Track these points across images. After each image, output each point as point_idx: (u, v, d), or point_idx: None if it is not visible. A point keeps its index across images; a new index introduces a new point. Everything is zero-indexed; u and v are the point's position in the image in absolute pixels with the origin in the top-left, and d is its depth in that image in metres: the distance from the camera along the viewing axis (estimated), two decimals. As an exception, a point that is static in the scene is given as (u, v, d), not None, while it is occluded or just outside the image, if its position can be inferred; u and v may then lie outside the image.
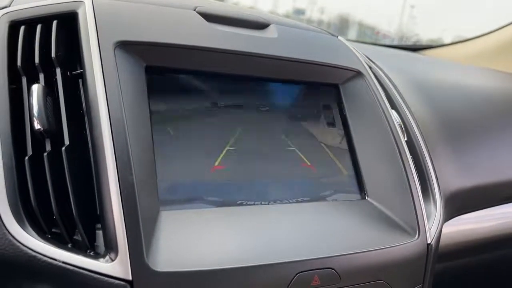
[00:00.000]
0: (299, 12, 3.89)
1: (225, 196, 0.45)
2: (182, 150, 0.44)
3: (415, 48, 1.26)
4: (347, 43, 0.60)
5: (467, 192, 0.65)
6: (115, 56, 0.42)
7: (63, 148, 0.38)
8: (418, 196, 0.51)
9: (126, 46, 0.43)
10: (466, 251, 0.69)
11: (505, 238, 0.72)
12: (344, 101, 0.55)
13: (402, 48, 1.24)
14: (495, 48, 1.08)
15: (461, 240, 0.67)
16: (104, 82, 0.40)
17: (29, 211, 0.37)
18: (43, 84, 0.40)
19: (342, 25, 3.63)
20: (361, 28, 3.62)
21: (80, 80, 0.43)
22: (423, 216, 0.50)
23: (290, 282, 0.40)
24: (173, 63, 0.46)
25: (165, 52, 0.45)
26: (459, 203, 0.64)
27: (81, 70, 0.42)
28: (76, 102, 0.42)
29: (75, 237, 0.38)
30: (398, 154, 0.53)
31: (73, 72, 0.43)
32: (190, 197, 0.43)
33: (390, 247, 0.47)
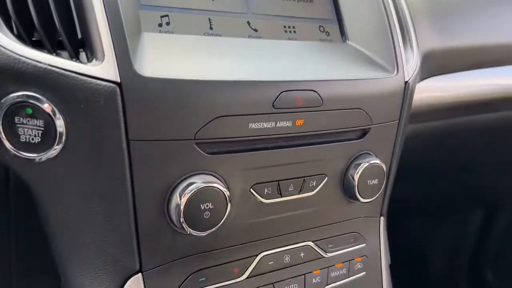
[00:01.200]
0: None
1: (206, 27, 0.44)
2: None
3: None
4: None
5: (443, 53, 0.67)
6: None
7: None
8: (398, 39, 0.53)
9: None
10: (436, 114, 0.72)
11: (473, 104, 0.75)
12: None
13: None
14: None
15: (432, 103, 0.70)
16: None
17: (7, 19, 0.36)
18: None
19: None
20: None
21: None
22: (402, 57, 0.52)
23: (275, 100, 0.42)
24: None
25: None
26: (434, 63, 0.66)
27: None
28: None
29: (58, 51, 0.38)
30: (382, 2, 0.53)
31: None
32: (175, 24, 0.43)
33: (371, 79, 0.48)
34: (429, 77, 0.68)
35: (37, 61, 0.35)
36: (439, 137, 0.82)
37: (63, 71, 0.35)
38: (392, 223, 1.20)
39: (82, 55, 0.38)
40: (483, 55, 0.73)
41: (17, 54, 0.35)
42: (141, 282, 0.40)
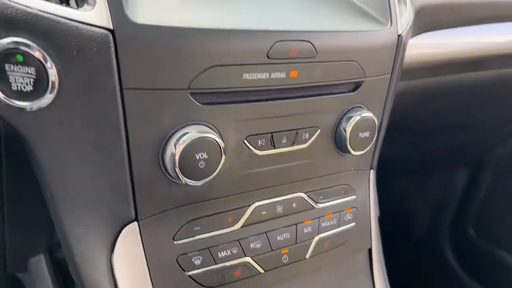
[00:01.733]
0: None
1: None
2: None
3: None
4: None
5: (436, 8, 0.67)
6: None
7: None
8: None
9: None
10: (427, 71, 0.73)
11: (463, 62, 0.75)
12: None
13: None
14: None
15: (423, 59, 0.70)
16: None
17: None
18: None
19: None
20: None
21: None
22: (395, 10, 0.52)
23: (269, 50, 0.41)
24: None
25: None
26: (427, 18, 0.66)
27: None
28: None
29: None
30: None
31: None
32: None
33: (365, 31, 0.48)
34: (420, 33, 0.68)
35: (26, 6, 0.34)
36: (429, 95, 0.83)
37: (54, 17, 0.34)
38: (380, 179, 1.23)
39: (72, 1, 0.38)
40: (475, 11, 0.73)
41: None
42: (137, 230, 0.41)
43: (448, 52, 0.74)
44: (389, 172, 1.25)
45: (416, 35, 0.66)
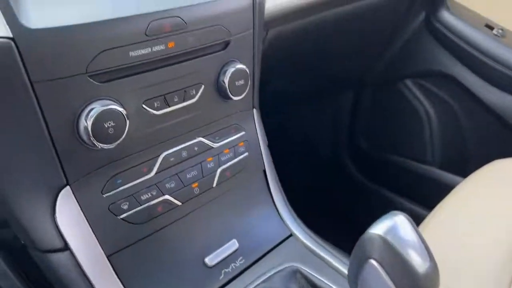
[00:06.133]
0: None
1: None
2: None
3: None
4: None
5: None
6: None
7: None
8: None
9: None
10: (293, 15, 0.86)
11: (318, 3, 0.89)
12: None
13: None
14: None
15: (286, 7, 0.83)
16: None
17: None
18: None
19: None
20: None
21: None
22: None
23: (146, 29, 0.51)
24: None
25: None
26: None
27: None
28: None
29: None
30: None
31: None
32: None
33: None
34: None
35: None
36: (300, 35, 0.97)
37: None
38: (277, 115, 1.39)
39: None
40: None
41: None
42: (71, 192, 0.51)
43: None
44: (287, 106, 1.42)
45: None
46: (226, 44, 0.61)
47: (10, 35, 0.43)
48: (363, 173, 1.56)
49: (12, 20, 0.43)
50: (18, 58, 0.44)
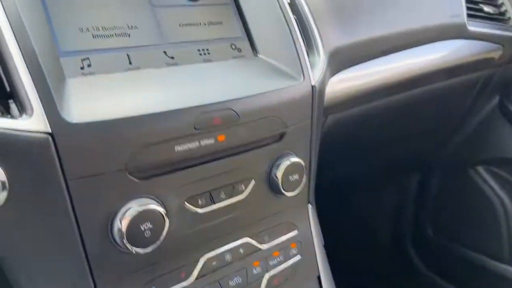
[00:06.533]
0: None
1: (125, 63, 0.49)
2: (79, 21, 0.47)
3: None
4: None
5: (348, 48, 0.74)
6: None
7: None
8: (302, 49, 0.59)
9: None
10: (354, 102, 0.80)
11: (384, 88, 0.84)
12: None
13: None
14: None
15: (348, 92, 0.78)
16: None
17: None
18: None
19: None
20: None
21: None
22: (306, 64, 0.59)
23: (195, 123, 0.47)
24: None
25: None
26: (343, 57, 0.73)
27: None
28: None
29: None
30: (282, 14, 0.60)
31: None
32: (96, 65, 0.47)
33: (280, 88, 0.55)
34: (340, 71, 0.75)
35: None
36: (361, 120, 0.91)
37: None
38: (336, 199, 1.30)
39: (13, 107, 0.42)
40: (386, 43, 0.81)
41: None
42: None
43: (370, 81, 0.82)
44: (347, 190, 1.33)
45: (335, 73, 0.74)
46: (281, 135, 0.56)
47: (49, 130, 0.40)
48: (426, 262, 1.41)
49: (53, 114, 0.40)
50: (55, 154, 0.41)
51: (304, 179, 0.58)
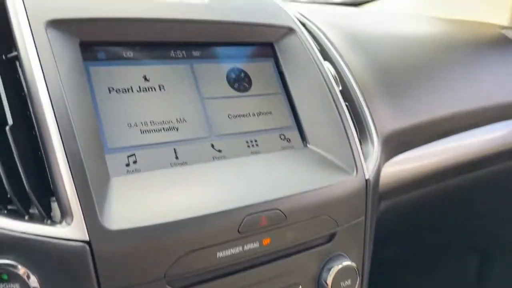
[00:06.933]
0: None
1: (172, 158, 0.47)
2: (128, 117, 0.47)
3: (358, 3, 1.30)
4: (279, 2, 0.63)
5: (404, 131, 0.70)
6: (47, 35, 0.43)
7: (7, 128, 0.40)
8: (354, 139, 0.56)
9: (57, 24, 0.44)
10: (410, 187, 0.75)
11: (442, 171, 0.78)
12: (280, 58, 0.58)
13: (345, 4, 1.27)
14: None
15: (404, 176, 0.73)
16: (40, 62, 0.42)
17: None
18: None
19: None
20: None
21: (17, 62, 0.44)
22: (359, 155, 0.55)
23: (240, 225, 0.44)
24: (106, 36, 0.47)
25: (98, 26, 0.47)
26: (398, 142, 0.69)
27: (16, 53, 0.43)
28: (16, 84, 0.44)
29: (31, 211, 0.40)
30: (333, 102, 0.57)
31: (8, 55, 0.44)
32: (142, 161, 0.46)
33: (331, 185, 0.51)
34: (394, 156, 0.71)
35: (10, 230, 0.37)
36: (419, 203, 0.85)
37: (35, 237, 0.38)
38: (389, 280, 1.21)
39: (55, 207, 0.41)
40: (440, 126, 0.76)
41: None
42: None
43: (424, 165, 0.77)
44: (400, 271, 1.24)
45: (389, 159, 0.69)
46: (331, 236, 0.52)
47: (87, 238, 0.38)
48: None
49: (93, 222, 0.39)
50: (91, 263, 0.38)
51: (357, 284, 0.52)
